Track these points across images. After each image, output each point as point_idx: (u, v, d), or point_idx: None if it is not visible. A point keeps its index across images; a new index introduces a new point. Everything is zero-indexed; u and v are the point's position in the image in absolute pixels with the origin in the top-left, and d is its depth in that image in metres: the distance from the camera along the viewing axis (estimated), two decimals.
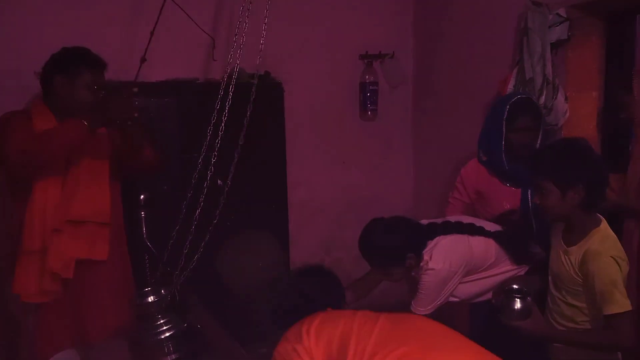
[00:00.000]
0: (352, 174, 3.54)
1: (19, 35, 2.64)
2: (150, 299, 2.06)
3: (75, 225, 2.07)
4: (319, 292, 1.60)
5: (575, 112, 2.65)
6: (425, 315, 2.07)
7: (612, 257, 1.74)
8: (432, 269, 2.10)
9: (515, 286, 1.88)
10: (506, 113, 2.40)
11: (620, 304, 1.69)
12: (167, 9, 2.89)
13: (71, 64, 2.10)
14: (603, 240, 1.78)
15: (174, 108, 2.88)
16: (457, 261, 2.13)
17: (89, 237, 2.11)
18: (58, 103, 2.12)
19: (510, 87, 2.66)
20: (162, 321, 2.05)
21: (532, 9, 2.60)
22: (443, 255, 2.13)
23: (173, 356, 2.03)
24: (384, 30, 3.52)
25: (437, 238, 2.18)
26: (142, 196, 2.41)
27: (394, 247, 2.14)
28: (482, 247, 2.20)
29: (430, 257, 2.13)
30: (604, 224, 1.83)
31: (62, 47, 2.16)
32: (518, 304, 1.81)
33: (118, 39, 2.74)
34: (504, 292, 1.87)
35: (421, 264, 2.14)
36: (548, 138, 2.57)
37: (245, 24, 2.37)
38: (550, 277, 1.94)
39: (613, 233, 1.83)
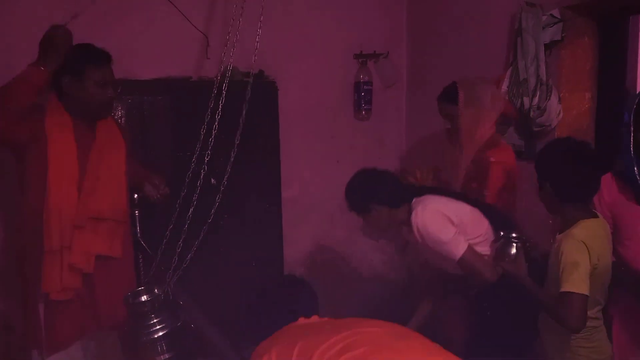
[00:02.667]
0: (345, 173, 3.49)
1: (11, 29, 2.61)
2: (144, 297, 2.06)
3: (96, 222, 2.12)
4: (294, 302, 1.63)
5: (569, 113, 2.66)
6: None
7: (584, 242, 1.79)
8: (424, 209, 2.12)
9: (514, 234, 1.99)
10: (635, 105, 1.92)
11: (575, 284, 1.73)
12: (160, 6, 2.89)
13: (76, 63, 2.08)
14: (583, 228, 1.84)
15: (167, 106, 2.86)
16: (448, 208, 2.15)
17: (108, 233, 2.15)
18: (70, 102, 2.12)
19: (504, 88, 2.67)
20: (155, 320, 2.04)
21: (526, 9, 2.60)
22: (433, 201, 2.16)
23: (166, 355, 2.02)
24: (378, 29, 3.52)
25: (425, 195, 2.22)
26: (135, 195, 2.41)
27: (371, 188, 2.25)
28: (468, 209, 2.22)
29: (419, 205, 2.15)
30: (597, 221, 1.88)
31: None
32: (513, 249, 1.94)
33: (110, 34, 2.72)
34: (502, 237, 1.99)
35: (412, 214, 2.14)
36: (541, 139, 2.59)
37: (239, 22, 2.36)
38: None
39: (605, 232, 1.86)
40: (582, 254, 1.77)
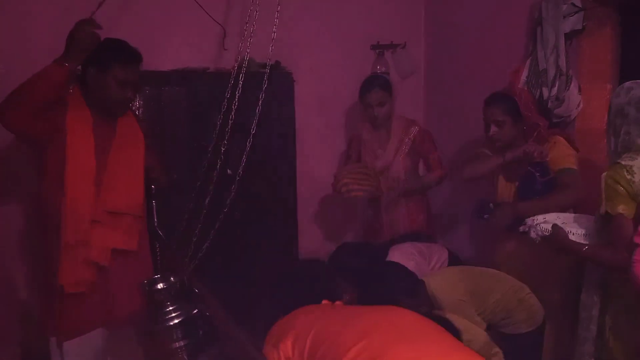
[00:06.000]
0: None
1: (26, 18, 2.64)
2: (160, 285, 2.08)
3: (114, 217, 2.13)
4: (320, 283, 1.64)
5: (589, 104, 2.61)
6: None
7: None
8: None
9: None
10: None
11: None
12: None
13: (104, 57, 2.08)
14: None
15: (184, 97, 2.88)
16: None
17: (125, 228, 2.17)
18: (91, 96, 2.12)
19: (522, 78, 2.64)
20: (171, 308, 2.06)
21: None
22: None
23: (182, 342, 2.04)
24: (395, 20, 3.49)
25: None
26: (153, 185, 2.42)
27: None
28: None
29: None
30: None
31: (104, 38, 2.09)
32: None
33: (129, 26, 2.75)
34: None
35: None
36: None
37: (256, 13, 2.37)
38: None
39: None
40: None
